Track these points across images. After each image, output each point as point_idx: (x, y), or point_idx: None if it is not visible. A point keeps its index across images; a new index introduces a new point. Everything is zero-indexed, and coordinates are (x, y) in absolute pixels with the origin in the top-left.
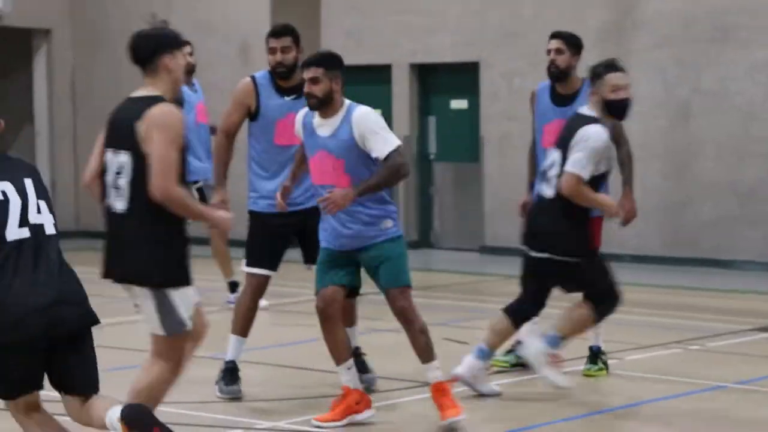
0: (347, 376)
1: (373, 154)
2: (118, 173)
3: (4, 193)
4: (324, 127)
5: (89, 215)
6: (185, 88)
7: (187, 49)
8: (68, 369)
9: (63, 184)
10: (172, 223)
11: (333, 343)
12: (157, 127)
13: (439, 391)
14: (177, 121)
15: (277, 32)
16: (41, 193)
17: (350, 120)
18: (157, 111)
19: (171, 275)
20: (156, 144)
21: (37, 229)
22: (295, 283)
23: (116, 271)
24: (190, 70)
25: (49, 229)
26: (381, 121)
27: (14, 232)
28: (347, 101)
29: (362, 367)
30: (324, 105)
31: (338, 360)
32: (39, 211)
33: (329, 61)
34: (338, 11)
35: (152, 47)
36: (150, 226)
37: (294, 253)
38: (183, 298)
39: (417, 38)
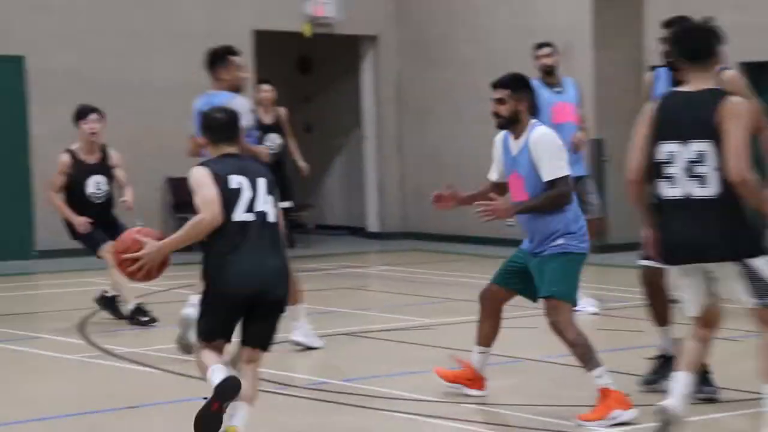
0: (476, 357)
1: (542, 178)
2: (694, 162)
3: (240, 184)
4: (514, 146)
5: (415, 216)
6: (538, 85)
7: (545, 50)
8: (251, 328)
9: (389, 186)
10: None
11: (479, 329)
12: (736, 116)
13: (602, 396)
14: (747, 110)
15: None
16: (270, 190)
17: (528, 140)
18: (733, 102)
19: (758, 246)
20: (734, 132)
21: (262, 216)
22: (623, 288)
23: (702, 251)
24: (549, 70)
25: (271, 218)
26: (556, 146)
27: (240, 215)
28: (533, 121)
29: (707, 381)
30: (510, 125)
31: (476, 341)
32: (265, 203)
33: (515, 83)
34: (663, 10)
35: (716, 42)
36: (737, 206)
37: (620, 257)
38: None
39: (750, 36)
